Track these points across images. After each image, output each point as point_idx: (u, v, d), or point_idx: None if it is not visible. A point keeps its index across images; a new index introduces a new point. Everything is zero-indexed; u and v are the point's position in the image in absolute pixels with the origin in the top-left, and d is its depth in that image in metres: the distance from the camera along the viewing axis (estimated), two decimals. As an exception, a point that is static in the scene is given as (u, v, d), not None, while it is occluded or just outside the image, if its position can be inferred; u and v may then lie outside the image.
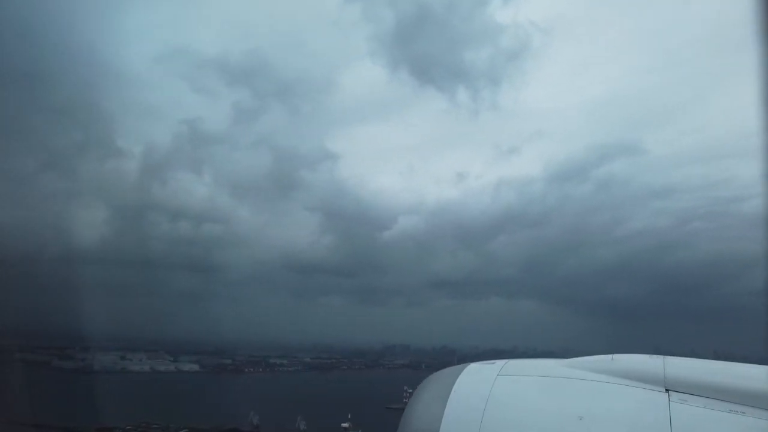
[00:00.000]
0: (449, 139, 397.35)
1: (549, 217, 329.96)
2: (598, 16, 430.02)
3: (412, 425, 3.54)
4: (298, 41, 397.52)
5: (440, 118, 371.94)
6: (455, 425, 3.35)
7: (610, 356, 3.73)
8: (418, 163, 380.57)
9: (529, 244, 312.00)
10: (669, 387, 3.27)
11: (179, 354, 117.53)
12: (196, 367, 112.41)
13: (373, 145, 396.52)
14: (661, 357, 3.58)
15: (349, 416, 50.80)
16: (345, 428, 49.95)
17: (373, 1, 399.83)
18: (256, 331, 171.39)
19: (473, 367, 3.88)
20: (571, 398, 3.37)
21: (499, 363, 3.84)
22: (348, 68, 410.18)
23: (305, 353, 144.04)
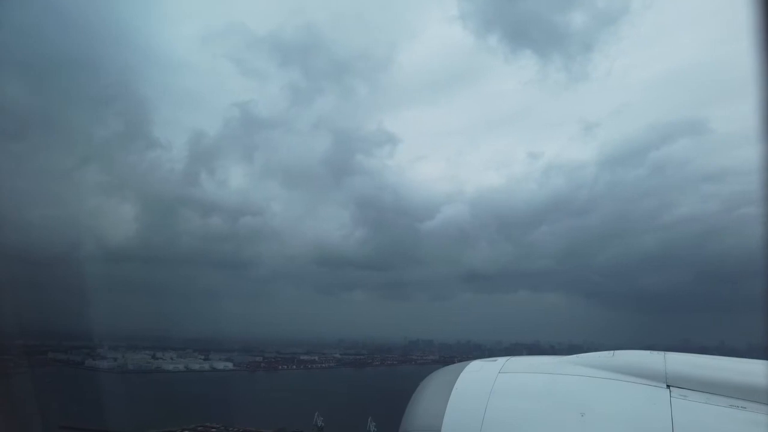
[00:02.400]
0: (523, 117, 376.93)
1: (596, 204, 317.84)
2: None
3: (414, 422, 3.62)
4: (357, 13, 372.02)
5: (524, 90, 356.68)
6: (457, 422, 3.40)
7: (611, 352, 3.76)
8: (478, 146, 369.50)
9: (571, 234, 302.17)
10: (670, 383, 3.28)
11: (208, 352, 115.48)
12: (230, 365, 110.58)
13: (434, 127, 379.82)
14: (662, 353, 3.59)
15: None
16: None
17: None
18: (280, 328, 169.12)
19: (475, 364, 3.96)
20: (573, 395, 3.40)
21: (501, 360, 3.93)
22: (417, 40, 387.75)
23: (332, 349, 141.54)
